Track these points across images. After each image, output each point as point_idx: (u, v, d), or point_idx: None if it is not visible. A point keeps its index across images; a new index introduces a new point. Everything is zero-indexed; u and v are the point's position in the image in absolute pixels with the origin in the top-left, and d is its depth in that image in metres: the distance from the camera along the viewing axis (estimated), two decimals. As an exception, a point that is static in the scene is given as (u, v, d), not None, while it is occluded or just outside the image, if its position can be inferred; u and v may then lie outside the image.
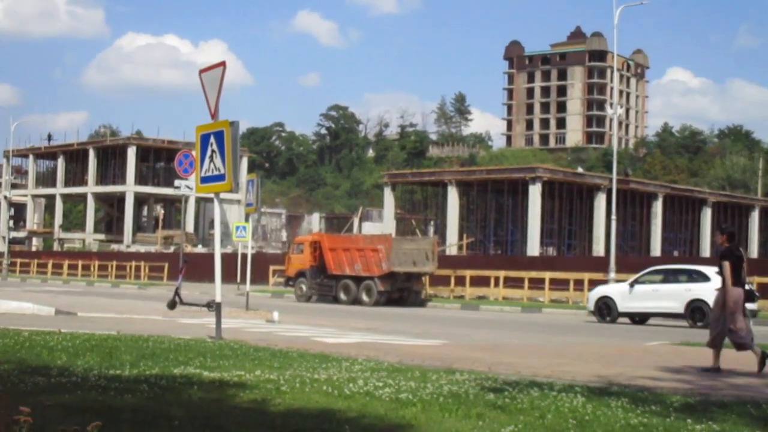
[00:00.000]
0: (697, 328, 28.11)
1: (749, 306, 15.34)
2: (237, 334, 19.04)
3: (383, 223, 75.35)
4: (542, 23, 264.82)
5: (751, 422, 8.86)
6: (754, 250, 78.53)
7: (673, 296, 30.41)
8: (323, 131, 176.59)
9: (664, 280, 31.42)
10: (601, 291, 32.98)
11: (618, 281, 39.30)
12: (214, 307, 19.43)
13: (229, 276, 41.99)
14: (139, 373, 11.07)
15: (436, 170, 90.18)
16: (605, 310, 31.86)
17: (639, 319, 31.89)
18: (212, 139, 17.10)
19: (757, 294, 15.89)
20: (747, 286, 15.12)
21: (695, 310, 29.66)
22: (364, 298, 41.72)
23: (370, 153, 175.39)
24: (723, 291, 14.95)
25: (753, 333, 15.16)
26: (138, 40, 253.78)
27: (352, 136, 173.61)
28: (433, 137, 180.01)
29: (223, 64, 17.56)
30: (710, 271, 28.81)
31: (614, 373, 13.61)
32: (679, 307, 30.16)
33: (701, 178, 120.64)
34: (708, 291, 26.47)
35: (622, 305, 31.55)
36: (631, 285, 31.61)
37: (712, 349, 14.96)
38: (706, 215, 76.06)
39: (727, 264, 14.89)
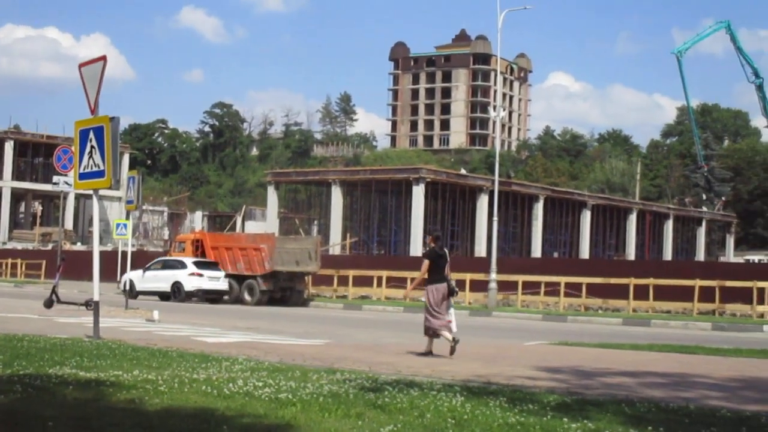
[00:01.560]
0: (177, 301, 40.57)
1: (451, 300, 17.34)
2: (115, 333, 18.73)
3: (267, 222, 74.98)
4: (427, 25, 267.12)
5: (626, 420, 9.03)
6: (631, 253, 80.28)
7: (164, 279, 41.64)
8: (207, 129, 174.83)
9: (162, 268, 42.46)
10: (126, 276, 39.56)
11: (499, 282, 40.22)
12: (92, 305, 19.04)
13: (109, 274, 41.34)
14: (13, 373, 10.79)
15: (320, 170, 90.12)
16: (130, 289, 39.44)
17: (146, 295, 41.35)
18: (92, 135, 16.79)
19: (456, 290, 17.60)
20: (450, 282, 17.11)
21: (176, 289, 41.36)
22: (247, 297, 41.49)
23: (254, 151, 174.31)
24: (433, 286, 17.08)
25: (455, 323, 17.39)
26: (17, 32, 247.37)
27: (236, 134, 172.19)
28: (318, 137, 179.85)
29: (103, 58, 17.26)
30: (189, 261, 41.90)
31: (493, 373, 13.75)
32: (167, 287, 41.43)
33: (581, 181, 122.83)
34: (184, 276, 41.02)
35: (139, 286, 41.52)
36: (144, 271, 42.00)
37: (428, 337, 17.17)
38: (586, 218, 77.48)
39: (426, 262, 17.22)
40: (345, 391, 10.30)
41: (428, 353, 16.86)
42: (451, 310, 17.34)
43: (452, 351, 16.76)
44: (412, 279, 44.88)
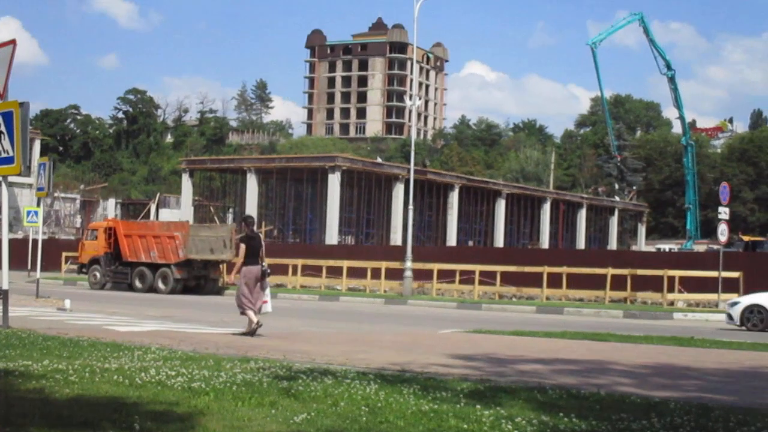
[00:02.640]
0: None
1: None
2: (25, 322, 18.42)
3: (181, 210, 74.37)
4: (344, 13, 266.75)
5: (538, 407, 9.11)
6: (545, 241, 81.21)
7: None
8: (120, 115, 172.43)
9: None
10: None
11: (414, 270, 40.39)
12: (1, 294, 18.68)
13: (18, 263, 40.63)
14: None
15: (235, 157, 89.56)
16: None
17: None
18: (0, 120, 16.46)
19: (268, 271, 18.97)
20: (263, 265, 18.70)
21: None
22: (161, 285, 41.09)
23: (169, 138, 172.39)
24: (246, 268, 18.48)
25: (270, 303, 19.09)
26: None
27: (150, 120, 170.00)
28: (234, 124, 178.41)
29: (13, 42, 16.92)
30: None
31: (408, 361, 13.79)
32: None
33: (496, 170, 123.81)
34: None
35: None
36: None
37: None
38: (501, 206, 78.12)
39: (243, 246, 18.65)
40: (259, 379, 10.26)
41: (251, 333, 17.90)
42: (267, 291, 18.79)
43: (252, 333, 17.85)
44: (328, 267, 45.13)
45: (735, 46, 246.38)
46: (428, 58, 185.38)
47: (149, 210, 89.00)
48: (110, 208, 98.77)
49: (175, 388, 9.34)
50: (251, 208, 68.02)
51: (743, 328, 26.15)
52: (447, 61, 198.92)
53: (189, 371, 10.68)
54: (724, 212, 36.07)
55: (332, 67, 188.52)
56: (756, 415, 9.08)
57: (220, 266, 43.38)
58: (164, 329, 19.21)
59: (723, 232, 36.26)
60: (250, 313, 18.08)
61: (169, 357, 12.59)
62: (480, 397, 9.55)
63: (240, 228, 15.97)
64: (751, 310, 26.39)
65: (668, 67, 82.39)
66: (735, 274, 36.06)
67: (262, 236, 18.69)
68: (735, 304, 27.13)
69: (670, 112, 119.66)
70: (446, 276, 43.13)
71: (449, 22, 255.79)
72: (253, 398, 8.84)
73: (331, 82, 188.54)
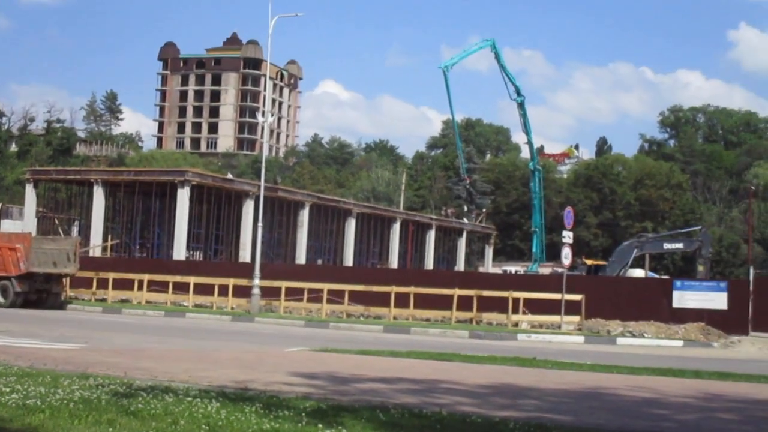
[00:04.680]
0: None
1: None
2: None
3: (24, 221, 72.23)
4: (199, 27, 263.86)
5: (380, 426, 9.15)
6: (394, 261, 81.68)
7: None
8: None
9: None
10: None
11: (262, 287, 40.20)
12: None
13: None
14: None
15: (82, 169, 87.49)
16: None
17: None
18: None
19: None
20: None
21: None
22: (0, 299, 39.85)
23: (13, 147, 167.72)
24: None
25: None
26: None
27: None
28: (82, 135, 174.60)
29: None
30: None
31: (251, 379, 13.69)
32: None
33: (347, 189, 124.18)
34: None
35: None
36: None
37: None
38: (351, 225, 78.29)
39: None
40: (97, 396, 10.03)
41: None
42: None
43: None
44: (175, 283, 44.50)
45: (583, 75, 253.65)
46: (282, 75, 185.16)
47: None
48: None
49: (9, 405, 9.07)
50: (97, 221, 66.57)
51: None
52: (301, 79, 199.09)
53: (24, 387, 10.38)
54: (568, 236, 36.94)
55: (185, 81, 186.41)
56: (591, 434, 9.30)
57: (63, 280, 42.33)
58: (1, 344, 18.63)
59: (567, 255, 37.13)
60: None
61: (4, 373, 12.22)
62: (322, 416, 9.54)
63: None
64: None
65: (518, 92, 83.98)
66: (577, 297, 36.94)
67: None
68: None
69: (519, 137, 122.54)
70: (294, 294, 42.96)
71: (304, 40, 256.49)
72: (90, 416, 8.64)
73: (184, 95, 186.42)
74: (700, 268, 52.61)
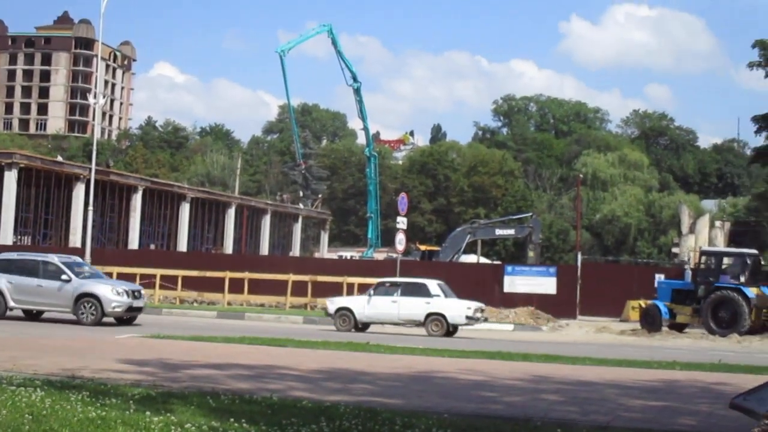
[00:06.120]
0: None
1: None
2: None
3: None
4: (28, 4, 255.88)
5: (210, 413, 9.07)
6: (229, 246, 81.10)
7: None
8: None
9: None
10: None
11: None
12: None
13: None
14: None
15: None
16: None
17: None
18: None
19: None
20: None
21: None
22: None
23: None
24: None
25: None
26: None
27: None
28: None
29: None
30: None
31: (80, 366, 13.39)
32: None
33: (182, 174, 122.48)
34: None
35: None
36: None
37: None
38: (185, 210, 77.32)
39: None
40: None
41: None
42: None
43: None
44: None
45: (420, 63, 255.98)
46: (115, 56, 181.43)
47: None
48: None
49: None
50: None
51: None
52: (135, 60, 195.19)
53: None
54: (402, 222, 37.30)
55: (13, 60, 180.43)
56: (420, 417, 9.42)
57: None
58: None
59: (401, 241, 37.50)
60: None
61: None
62: (151, 403, 9.40)
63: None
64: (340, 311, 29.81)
65: (354, 79, 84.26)
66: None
67: None
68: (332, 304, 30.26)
69: (355, 123, 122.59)
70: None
71: (139, 21, 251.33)
72: None
73: (12, 74, 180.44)
74: (531, 253, 53.91)
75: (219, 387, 11.53)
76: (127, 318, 27.00)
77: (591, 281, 41.89)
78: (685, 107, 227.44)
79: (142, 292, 28.62)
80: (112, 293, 26.32)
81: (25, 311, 28.00)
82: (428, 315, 29.11)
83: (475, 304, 29.63)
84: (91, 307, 26.01)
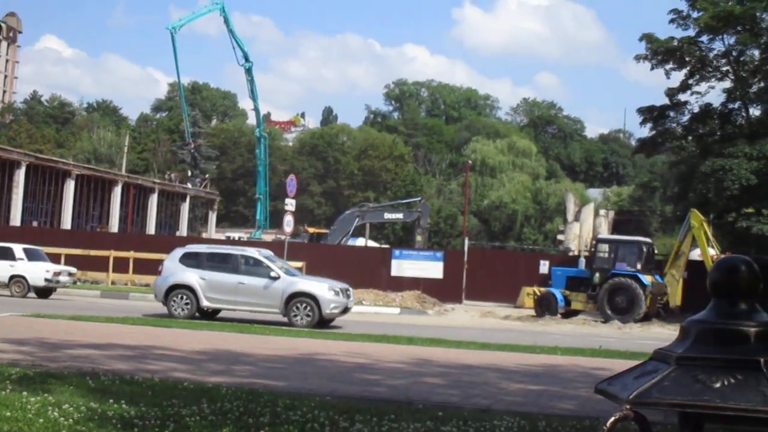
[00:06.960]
0: None
1: None
2: None
3: None
4: None
5: (88, 393, 8.94)
6: (115, 225, 79.93)
7: None
8: None
9: None
10: None
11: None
12: None
13: None
14: None
15: None
16: None
17: None
18: None
19: None
20: None
21: None
22: None
23: None
24: None
25: None
26: None
27: None
28: None
29: None
30: None
31: (-46, 345, 13.08)
32: None
33: (67, 150, 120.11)
34: None
35: None
36: None
37: None
38: (70, 187, 75.97)
39: None
40: None
41: None
42: None
43: None
44: None
45: (312, 44, 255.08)
46: (0, 27, 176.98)
47: None
48: None
49: None
50: None
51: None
52: (21, 32, 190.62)
53: None
54: (290, 204, 37.17)
55: None
56: (303, 399, 9.42)
57: None
58: None
59: (289, 223, 37.36)
60: None
61: None
62: (29, 383, 9.23)
63: None
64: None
65: (246, 58, 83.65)
66: (299, 264, 37.35)
67: None
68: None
69: (246, 103, 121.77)
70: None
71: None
72: None
73: None
74: (419, 238, 54.25)
75: (99, 367, 11.37)
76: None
77: (477, 266, 42.40)
78: (574, 97, 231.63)
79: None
80: (329, 293, 24.52)
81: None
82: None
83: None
84: (306, 308, 24.07)
